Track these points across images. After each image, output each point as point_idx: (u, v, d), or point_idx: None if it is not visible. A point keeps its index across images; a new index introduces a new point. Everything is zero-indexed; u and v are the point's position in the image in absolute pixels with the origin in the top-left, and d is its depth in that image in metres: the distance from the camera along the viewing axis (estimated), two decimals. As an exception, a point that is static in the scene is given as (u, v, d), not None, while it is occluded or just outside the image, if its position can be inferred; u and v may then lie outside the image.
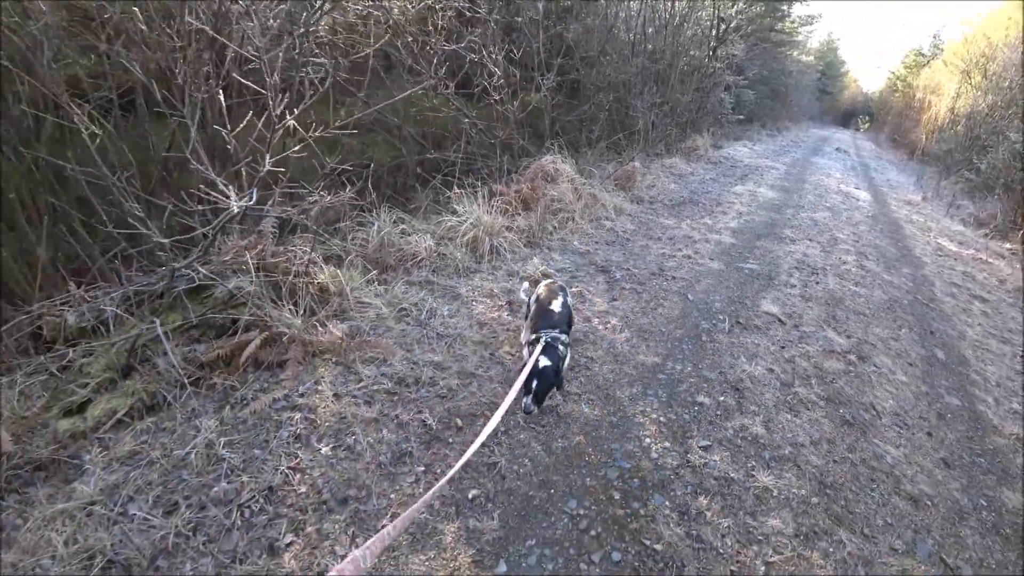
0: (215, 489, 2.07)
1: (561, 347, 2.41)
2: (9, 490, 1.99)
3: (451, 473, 1.48)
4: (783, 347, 3.51)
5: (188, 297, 2.88)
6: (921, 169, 15.46)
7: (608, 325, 3.44)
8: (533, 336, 2.46)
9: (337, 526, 1.96)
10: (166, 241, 2.44)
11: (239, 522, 1.98)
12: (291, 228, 3.47)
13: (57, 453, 2.14)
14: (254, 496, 2.07)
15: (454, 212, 4.46)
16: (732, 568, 1.95)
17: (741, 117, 12.78)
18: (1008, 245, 8.27)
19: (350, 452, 2.28)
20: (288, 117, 2.52)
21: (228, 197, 2.21)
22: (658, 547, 1.99)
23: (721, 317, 3.77)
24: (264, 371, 2.74)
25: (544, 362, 2.24)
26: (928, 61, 29.75)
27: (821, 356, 3.48)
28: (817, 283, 4.71)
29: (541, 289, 2.90)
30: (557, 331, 2.48)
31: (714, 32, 9.50)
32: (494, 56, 4.63)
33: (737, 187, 8.15)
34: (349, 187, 3.27)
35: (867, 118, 41.37)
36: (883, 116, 35.08)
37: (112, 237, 2.80)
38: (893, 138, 26.58)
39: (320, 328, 2.96)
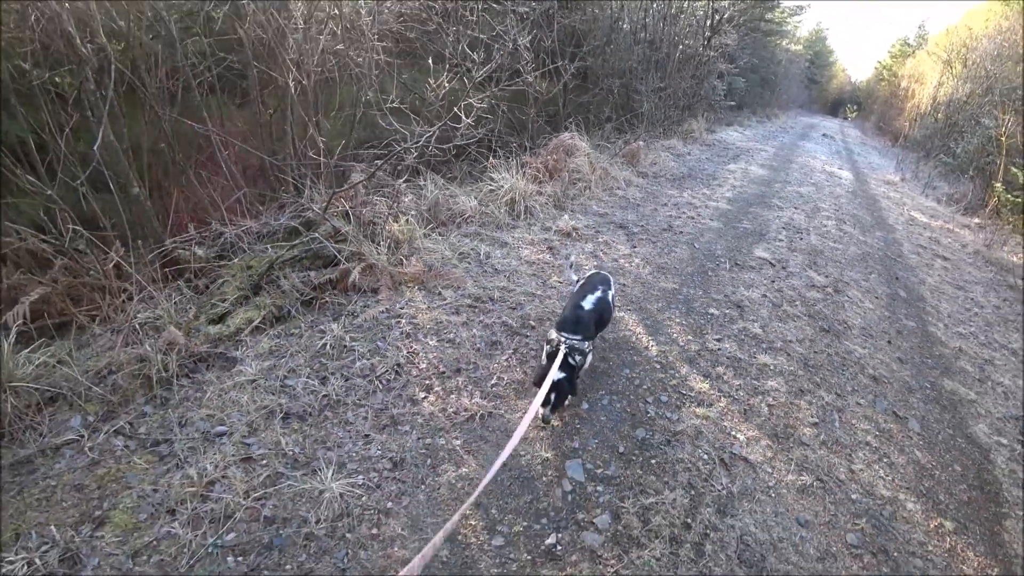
0: (355, 367, 2.85)
1: (579, 356, 2.47)
2: (181, 374, 2.71)
3: (474, 495, 1.52)
4: (773, 281, 4.40)
5: (299, 234, 3.66)
6: (902, 155, 16.59)
7: (632, 263, 4.30)
8: (555, 338, 2.51)
9: (458, 384, 2.76)
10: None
11: (380, 387, 2.76)
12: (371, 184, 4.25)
13: (213, 349, 2.89)
14: (387, 371, 2.86)
15: (491, 179, 5.26)
16: (744, 408, 2.81)
17: (733, 104, 13.74)
18: (976, 220, 9.29)
19: (452, 343, 3.08)
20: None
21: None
22: (692, 394, 2.84)
23: (722, 260, 4.66)
24: (363, 295, 3.52)
25: (559, 375, 2.32)
26: (913, 51, 31.12)
27: (804, 288, 4.39)
28: (801, 239, 5.63)
29: (585, 276, 3.05)
30: (579, 338, 2.50)
31: (708, 22, 10.41)
32: (522, 43, 5.44)
33: (730, 165, 9.07)
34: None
35: (855, 107, 42.88)
36: (870, 105, 36.55)
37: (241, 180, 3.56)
38: (879, 126, 27.92)
39: (404, 263, 3.77)
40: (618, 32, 7.93)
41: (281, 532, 1.87)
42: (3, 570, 1.60)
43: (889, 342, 3.92)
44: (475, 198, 5.00)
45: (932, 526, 2.36)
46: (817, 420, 2.85)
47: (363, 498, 2.04)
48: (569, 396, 2.47)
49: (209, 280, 3.42)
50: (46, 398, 2.33)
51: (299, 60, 3.70)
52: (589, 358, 2.61)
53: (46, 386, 2.33)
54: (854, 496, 2.42)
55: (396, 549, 1.87)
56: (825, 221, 6.60)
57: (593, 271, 3.10)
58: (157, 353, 2.63)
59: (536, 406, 2.05)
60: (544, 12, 6.68)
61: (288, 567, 1.76)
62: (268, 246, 3.52)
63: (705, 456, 2.45)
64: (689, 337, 3.36)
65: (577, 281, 3.06)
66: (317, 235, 3.53)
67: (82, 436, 2.13)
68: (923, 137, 18.17)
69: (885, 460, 2.70)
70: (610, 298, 2.84)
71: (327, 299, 3.43)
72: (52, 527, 1.75)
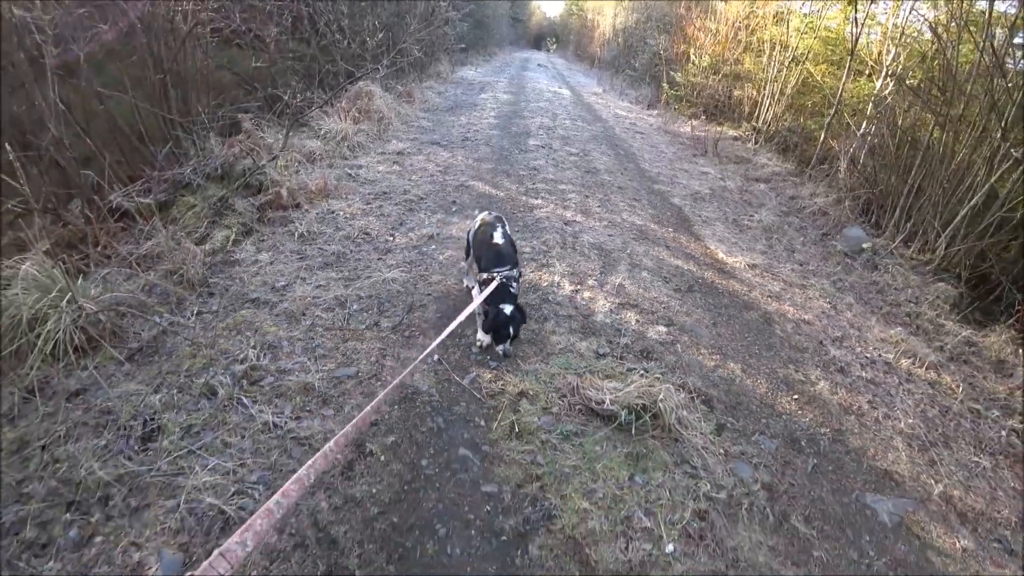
0: (336, 237, 4.58)
1: (515, 285, 2.80)
2: (207, 277, 4.16)
3: (381, 396, 1.84)
4: (547, 154, 7.25)
5: (222, 177, 5.07)
6: (600, 73, 21.83)
7: (457, 160, 6.66)
8: (485, 276, 2.82)
9: (405, 230, 4.75)
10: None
11: (363, 240, 4.57)
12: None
13: (214, 259, 4.33)
14: (358, 234, 4.63)
15: (318, 126, 6.94)
16: (563, 204, 5.40)
17: (463, 47, 16.62)
18: (655, 112, 13.80)
19: (383, 215, 5.01)
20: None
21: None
22: (536, 203, 5.33)
23: (511, 149, 7.34)
24: (294, 209, 5.13)
25: (509, 309, 2.65)
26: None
27: (566, 155, 7.32)
28: (553, 132, 8.67)
29: (477, 223, 3.34)
30: (508, 268, 2.83)
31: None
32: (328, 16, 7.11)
33: (481, 95, 11.90)
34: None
35: (554, 39, 50.49)
36: (566, 36, 44.03)
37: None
38: (577, 53, 34.52)
39: (308, 184, 5.44)
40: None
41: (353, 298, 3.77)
42: (238, 368, 3.20)
43: (621, 174, 7.02)
44: (318, 140, 6.68)
45: (666, 232, 5.29)
46: (599, 205, 5.64)
47: (400, 281, 4.02)
48: (522, 324, 2.87)
49: (163, 220, 4.68)
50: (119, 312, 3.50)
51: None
52: (520, 285, 3.03)
53: (112, 303, 3.50)
54: (627, 224, 5.23)
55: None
56: (564, 120, 9.85)
57: (483, 214, 3.46)
58: (187, 261, 4.02)
59: (461, 319, 2.34)
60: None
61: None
62: (212, 184, 4.88)
63: (556, 223, 4.98)
64: (517, 185, 5.87)
65: (471, 230, 3.44)
66: (262, 169, 4.99)
67: (172, 324, 3.56)
68: (611, 58, 23.84)
69: (636, 214, 5.64)
70: (507, 230, 3.25)
71: (271, 215, 4.97)
72: (236, 353, 3.37)
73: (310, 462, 0.86)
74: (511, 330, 2.77)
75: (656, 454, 2.54)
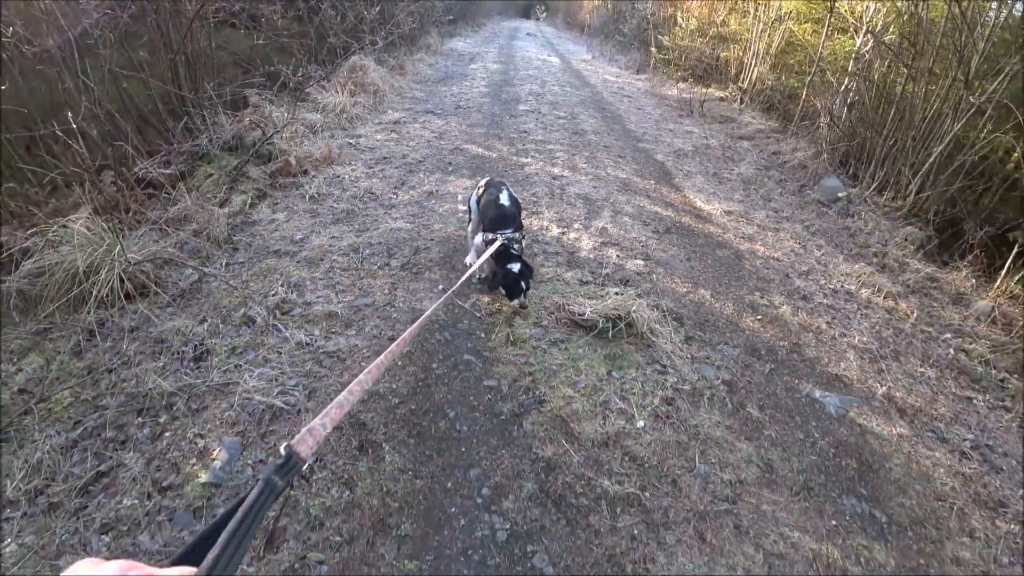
0: (344, 196, 5.02)
1: (517, 245, 2.94)
2: (231, 235, 4.61)
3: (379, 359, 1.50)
4: (536, 118, 7.61)
5: (234, 148, 5.48)
6: (589, 40, 21.95)
7: (451, 127, 7.04)
8: (490, 236, 2.94)
9: (407, 188, 5.17)
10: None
11: (370, 199, 5.01)
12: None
13: (234, 220, 4.77)
14: (363, 194, 5.06)
15: (315, 100, 7.31)
16: (551, 162, 5.82)
17: (451, 18, 16.80)
18: (644, 76, 14.07)
19: (386, 178, 5.43)
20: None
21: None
22: (525, 160, 5.75)
23: (503, 115, 7.69)
24: (302, 175, 5.55)
25: (516, 267, 2.84)
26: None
27: (554, 119, 7.70)
28: (543, 98, 9.02)
29: (481, 188, 3.39)
30: (511, 231, 2.95)
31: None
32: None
33: (472, 66, 12.18)
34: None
35: (544, 8, 50.07)
36: (555, 5, 43.71)
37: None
38: (567, 21, 34.42)
39: (312, 152, 5.85)
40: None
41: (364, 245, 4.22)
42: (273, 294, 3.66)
43: (607, 134, 7.41)
44: (318, 113, 7.06)
45: (648, 184, 5.71)
46: (585, 162, 6.05)
47: (405, 230, 4.46)
48: (532, 277, 3.02)
49: (188, 186, 5.10)
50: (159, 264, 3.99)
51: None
52: (524, 242, 3.15)
53: (152, 256, 4.00)
54: (611, 178, 5.65)
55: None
56: (553, 87, 10.18)
57: (485, 179, 3.51)
58: (211, 221, 4.46)
59: (475, 268, 2.41)
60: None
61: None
62: (225, 155, 5.30)
63: (545, 178, 5.40)
64: (508, 147, 6.27)
65: (474, 193, 3.47)
66: (271, 139, 5.40)
67: (206, 273, 4.04)
68: (601, 24, 23.89)
69: (620, 169, 6.04)
70: (512, 193, 3.29)
71: (282, 181, 5.40)
72: (268, 292, 3.82)
73: (369, 368, 1.14)
74: (523, 284, 2.96)
75: (630, 356, 3.02)
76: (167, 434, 2.49)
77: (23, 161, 4.07)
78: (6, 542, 2.03)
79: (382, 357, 1.24)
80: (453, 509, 2.17)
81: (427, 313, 1.55)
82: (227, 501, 2.19)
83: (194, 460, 2.33)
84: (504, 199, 3.15)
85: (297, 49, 7.90)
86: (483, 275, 3.32)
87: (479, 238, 3.16)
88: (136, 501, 2.17)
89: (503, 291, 3.03)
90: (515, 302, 3.03)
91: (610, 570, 2.03)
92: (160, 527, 2.08)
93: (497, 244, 2.87)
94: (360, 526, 2.08)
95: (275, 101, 6.71)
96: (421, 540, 2.05)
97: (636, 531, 2.18)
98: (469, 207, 3.51)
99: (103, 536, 2.07)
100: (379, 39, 7.87)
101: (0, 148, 4.00)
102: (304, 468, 0.81)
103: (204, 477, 2.23)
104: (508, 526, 2.13)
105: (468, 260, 3.62)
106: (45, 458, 2.34)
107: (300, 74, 6.52)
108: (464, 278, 2.10)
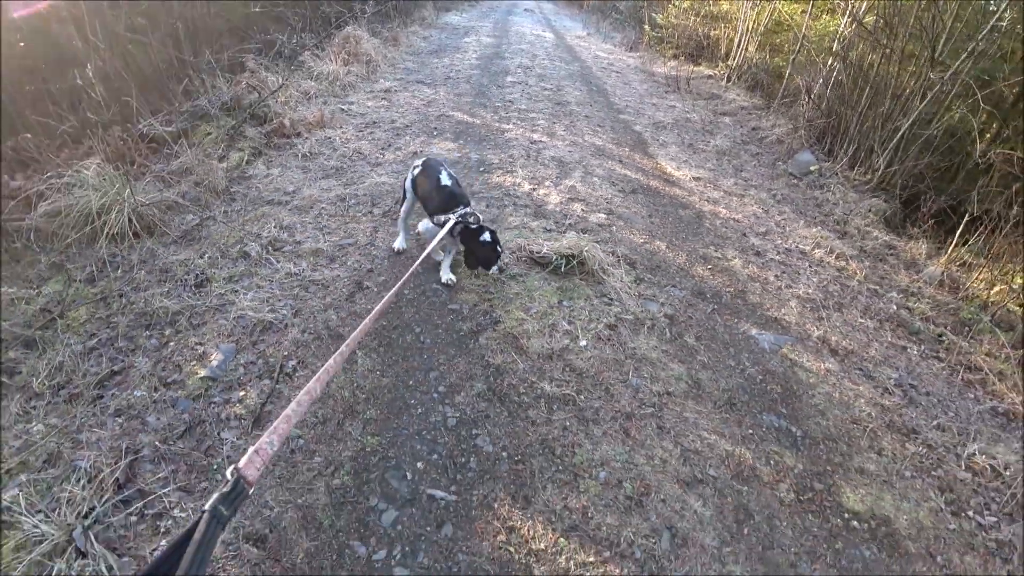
0: (334, 155, 5.39)
1: (472, 218, 2.95)
2: (229, 188, 4.98)
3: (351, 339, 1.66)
4: (523, 90, 7.94)
5: (231, 109, 5.83)
6: (586, 17, 22.08)
7: (440, 96, 7.36)
8: (443, 218, 2.94)
9: (394, 148, 5.54)
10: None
11: (359, 157, 5.38)
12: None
13: (232, 174, 5.14)
14: (352, 153, 5.46)
15: (310, 68, 7.63)
16: (531, 129, 6.18)
17: (447, -9, 17.00)
18: (637, 54, 14.32)
19: (375, 140, 5.79)
20: None
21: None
22: (507, 128, 6.10)
23: (490, 86, 8.02)
24: (293, 137, 5.90)
25: (487, 236, 2.90)
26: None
27: (540, 90, 8.02)
28: (531, 71, 9.32)
29: (417, 169, 3.31)
30: (462, 208, 2.97)
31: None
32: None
33: (465, 39, 12.43)
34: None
35: (542, -15, 49.68)
36: (555, -19, 43.53)
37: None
38: (565, -1, 34.31)
39: (306, 116, 6.20)
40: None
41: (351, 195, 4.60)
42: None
43: (590, 105, 7.75)
44: (312, 81, 7.39)
45: (622, 151, 6.07)
46: (564, 130, 6.41)
47: (389, 184, 4.83)
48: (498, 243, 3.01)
49: (189, 142, 5.46)
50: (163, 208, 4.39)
51: None
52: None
53: (157, 201, 4.40)
54: (587, 144, 6.01)
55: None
56: (543, 61, 10.47)
57: (420, 160, 3.41)
58: (211, 173, 4.84)
59: (429, 250, 2.49)
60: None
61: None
62: (223, 116, 5.65)
63: (523, 143, 5.77)
64: (492, 115, 6.63)
65: (409, 175, 3.38)
66: (266, 102, 5.76)
67: (206, 218, 4.43)
68: (599, 2, 24.00)
69: (598, 136, 6.40)
70: (451, 171, 3.25)
71: (276, 142, 5.76)
72: (262, 232, 4.21)
73: (308, 386, 1.17)
74: (498, 249, 2.98)
75: (581, 289, 3.43)
76: (171, 343, 2.89)
77: (36, 114, 4.44)
78: (33, 424, 2.43)
79: (330, 362, 1.26)
80: (412, 401, 2.59)
81: (374, 312, 1.75)
82: (222, 392, 2.60)
83: (194, 362, 2.74)
84: (445, 179, 3.13)
85: (291, 17, 8.21)
86: (459, 256, 3.35)
87: (423, 225, 3.23)
88: (145, 393, 2.58)
89: (482, 266, 3.07)
90: (493, 270, 3.06)
91: (541, 451, 2.45)
92: (164, 411, 2.49)
93: (451, 223, 2.89)
94: (332, 411, 2.50)
95: (271, 67, 7.04)
96: (383, 422, 2.47)
97: (568, 423, 2.59)
98: (404, 188, 3.43)
99: (117, 418, 2.47)
100: (368, 7, 8.14)
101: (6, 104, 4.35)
102: (251, 492, 0.77)
103: (203, 373, 2.64)
104: (458, 415, 2.55)
105: (421, 226, 3.47)
106: (66, 361, 2.73)
107: (295, 41, 6.85)
108: (414, 268, 2.16)
